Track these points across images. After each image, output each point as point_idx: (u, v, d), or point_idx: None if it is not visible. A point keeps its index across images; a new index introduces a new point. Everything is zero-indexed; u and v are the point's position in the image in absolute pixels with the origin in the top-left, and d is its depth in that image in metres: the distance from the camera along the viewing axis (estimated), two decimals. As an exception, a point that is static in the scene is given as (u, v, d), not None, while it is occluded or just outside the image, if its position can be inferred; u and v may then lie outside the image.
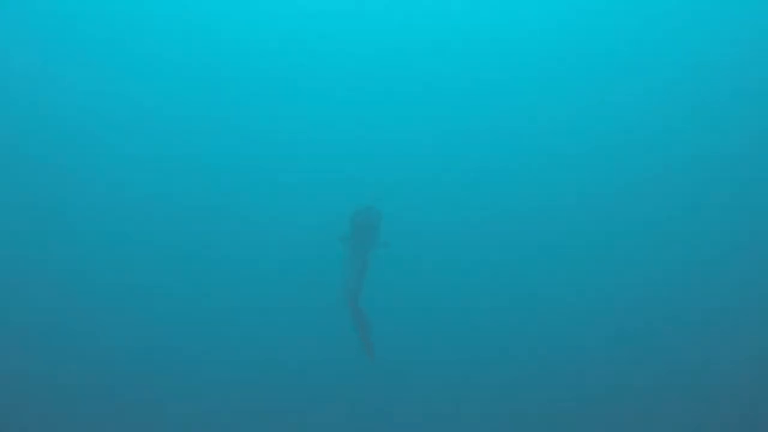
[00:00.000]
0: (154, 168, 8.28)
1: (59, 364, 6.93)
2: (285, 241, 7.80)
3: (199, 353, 7.13)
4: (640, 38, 9.05)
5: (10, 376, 6.79)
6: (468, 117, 8.80)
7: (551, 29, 9.25)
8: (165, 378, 6.93)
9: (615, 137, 8.53)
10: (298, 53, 9.21)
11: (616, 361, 7.03)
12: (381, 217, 6.36)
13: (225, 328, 7.29)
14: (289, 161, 8.44)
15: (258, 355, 7.13)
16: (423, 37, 9.36)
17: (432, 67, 9.16)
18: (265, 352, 7.15)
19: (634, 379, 6.89)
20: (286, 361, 7.12)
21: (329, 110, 8.81)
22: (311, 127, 8.70)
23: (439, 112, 8.84)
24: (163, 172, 8.25)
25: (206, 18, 9.20)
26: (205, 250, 7.77)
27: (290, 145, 8.59)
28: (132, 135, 8.46)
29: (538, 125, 8.62)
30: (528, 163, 8.36)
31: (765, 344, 7.02)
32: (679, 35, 9.15)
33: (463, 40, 9.29)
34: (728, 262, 7.61)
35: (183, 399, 6.82)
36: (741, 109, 8.55)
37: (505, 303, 7.43)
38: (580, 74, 9.04)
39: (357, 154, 8.44)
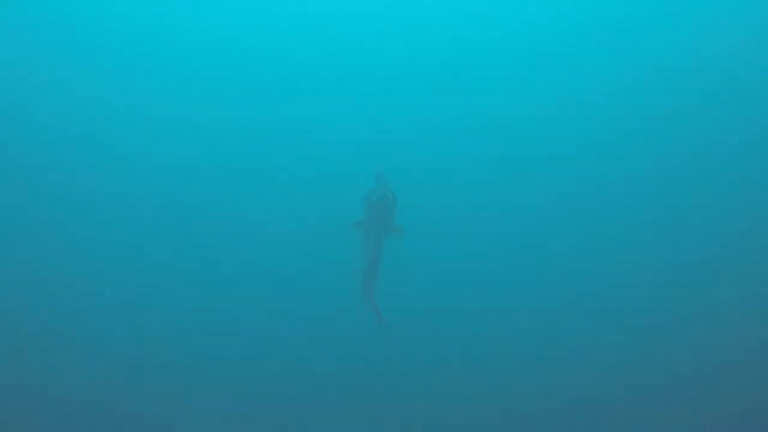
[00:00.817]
0: (157, 168, 8.30)
1: (81, 367, 6.92)
2: (288, 241, 7.81)
3: (202, 354, 7.13)
4: (645, 36, 9.09)
5: (10, 377, 6.80)
6: (470, 115, 8.82)
7: (551, 25, 9.30)
8: (167, 379, 6.93)
9: (622, 131, 8.56)
10: (297, 53, 9.25)
11: (623, 360, 7.02)
12: (396, 198, 6.26)
13: (229, 329, 7.29)
14: (292, 160, 8.46)
15: (260, 355, 7.14)
16: (423, 36, 9.39)
17: (433, 66, 9.19)
18: (268, 352, 7.15)
19: (642, 379, 6.88)
20: (285, 361, 7.13)
21: (331, 108, 8.83)
22: (313, 125, 8.72)
23: (440, 111, 8.87)
24: (165, 172, 8.27)
25: (206, 18, 9.25)
26: (211, 250, 7.79)
27: (291, 145, 8.61)
28: (132, 136, 8.48)
29: (549, 121, 8.66)
30: (533, 162, 8.38)
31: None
32: (678, 33, 9.17)
33: (465, 37, 9.32)
34: (732, 260, 7.60)
35: (185, 401, 6.82)
36: (741, 106, 8.57)
37: (511, 300, 7.44)
38: (584, 71, 9.08)
39: (356, 153, 8.46)
